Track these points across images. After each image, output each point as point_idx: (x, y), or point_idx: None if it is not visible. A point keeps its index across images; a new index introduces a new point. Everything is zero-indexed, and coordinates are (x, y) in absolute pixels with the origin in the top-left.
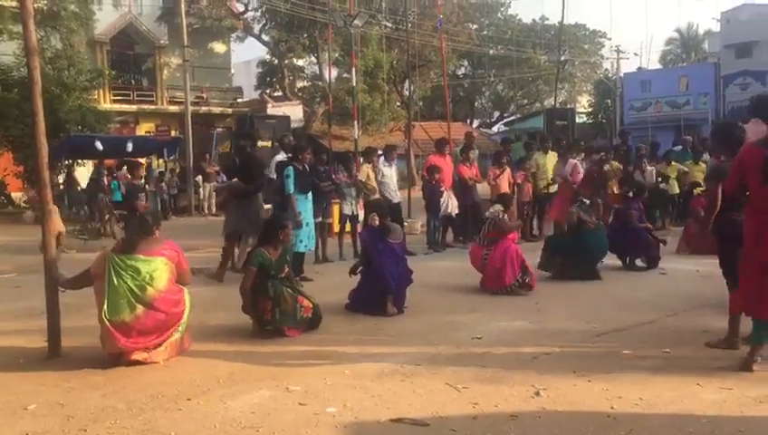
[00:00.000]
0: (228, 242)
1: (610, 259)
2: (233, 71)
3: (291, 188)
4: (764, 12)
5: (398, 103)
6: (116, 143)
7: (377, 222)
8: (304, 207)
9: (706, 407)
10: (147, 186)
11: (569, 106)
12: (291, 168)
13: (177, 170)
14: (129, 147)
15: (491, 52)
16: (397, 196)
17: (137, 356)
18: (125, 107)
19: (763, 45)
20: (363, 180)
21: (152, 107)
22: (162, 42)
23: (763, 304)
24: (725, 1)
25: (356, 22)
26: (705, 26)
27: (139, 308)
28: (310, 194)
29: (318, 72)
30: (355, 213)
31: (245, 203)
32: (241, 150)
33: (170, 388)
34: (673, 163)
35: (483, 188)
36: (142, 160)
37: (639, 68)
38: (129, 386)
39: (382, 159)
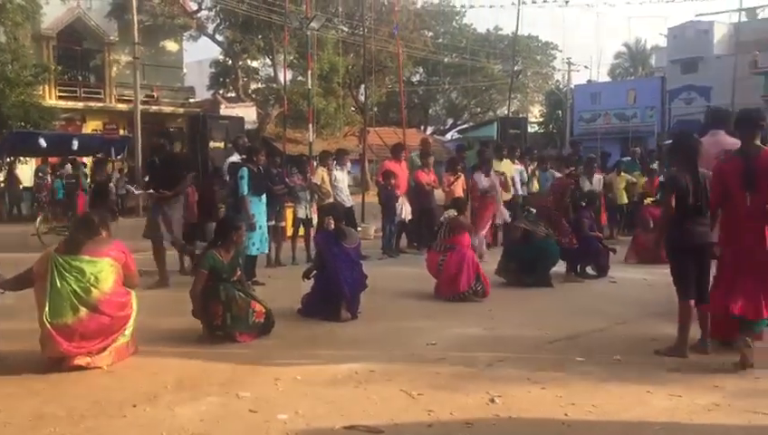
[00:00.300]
0: (154, 246)
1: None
2: (185, 70)
3: (245, 189)
4: (709, 29)
5: (353, 108)
6: (61, 141)
7: (332, 225)
8: (258, 209)
9: (658, 414)
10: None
11: (521, 115)
12: (245, 169)
13: (126, 170)
14: (75, 145)
15: (446, 60)
16: (349, 200)
17: (79, 361)
18: (71, 104)
19: (708, 61)
20: (318, 184)
21: (100, 105)
22: (112, 38)
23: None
24: (673, 17)
25: (312, 24)
26: (653, 42)
27: (83, 311)
28: (264, 196)
29: (272, 74)
30: (309, 217)
31: (164, 205)
32: (160, 149)
33: (114, 394)
34: (622, 174)
35: (437, 195)
36: (86, 160)
37: (589, 80)
38: (70, 392)
39: (334, 163)
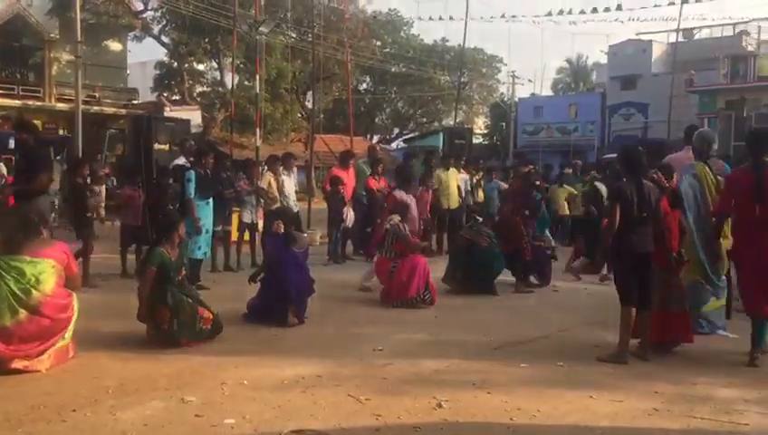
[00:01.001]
0: None
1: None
2: (128, 71)
3: (191, 192)
4: (648, 48)
5: (300, 114)
6: None
7: (282, 229)
8: (204, 212)
9: (600, 419)
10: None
11: (466, 126)
12: (192, 172)
13: (64, 169)
14: (12, 143)
15: (393, 69)
16: (295, 205)
17: (17, 364)
18: (8, 102)
19: (646, 79)
20: (265, 188)
21: (39, 103)
22: (53, 36)
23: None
24: (614, 36)
25: (262, 29)
26: (594, 58)
27: (23, 313)
28: (210, 200)
29: (219, 77)
30: (255, 221)
31: (25, 205)
32: (23, 145)
33: (54, 398)
34: (564, 186)
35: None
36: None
37: (533, 94)
38: (7, 396)
39: (281, 167)
